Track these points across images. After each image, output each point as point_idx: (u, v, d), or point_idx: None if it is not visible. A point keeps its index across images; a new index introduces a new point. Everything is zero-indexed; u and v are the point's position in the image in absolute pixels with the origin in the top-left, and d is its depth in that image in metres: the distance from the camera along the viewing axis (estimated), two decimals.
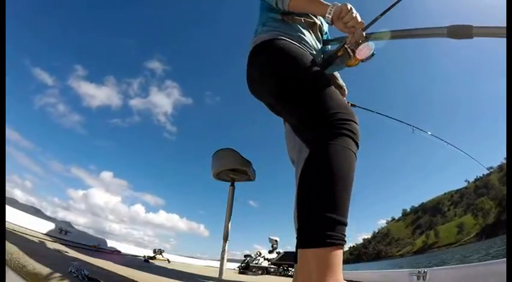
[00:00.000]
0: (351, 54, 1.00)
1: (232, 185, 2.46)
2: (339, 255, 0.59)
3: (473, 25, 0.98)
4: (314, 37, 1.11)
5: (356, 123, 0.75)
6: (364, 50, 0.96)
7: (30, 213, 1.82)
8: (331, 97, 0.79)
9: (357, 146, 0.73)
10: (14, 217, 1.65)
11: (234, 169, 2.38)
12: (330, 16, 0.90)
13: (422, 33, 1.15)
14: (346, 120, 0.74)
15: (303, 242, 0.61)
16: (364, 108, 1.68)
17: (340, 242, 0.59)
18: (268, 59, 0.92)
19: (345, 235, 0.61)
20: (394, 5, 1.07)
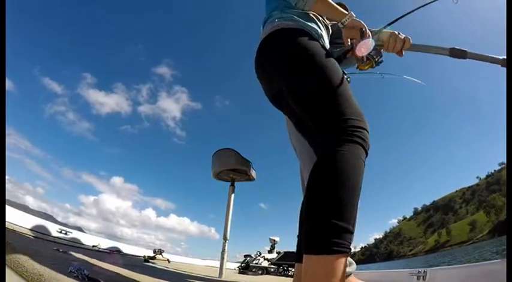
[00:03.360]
0: (363, 59, 1.01)
1: (232, 185, 2.47)
2: (343, 262, 0.60)
3: (468, 50, 1.24)
4: (329, 37, 1.12)
5: (367, 131, 0.75)
6: (364, 47, 0.95)
7: (30, 213, 1.87)
8: (348, 101, 0.78)
9: (366, 154, 0.74)
10: (14, 217, 1.69)
11: (234, 169, 2.39)
12: (346, 23, 0.94)
13: (426, 49, 1.25)
14: (359, 127, 0.74)
15: (309, 247, 0.62)
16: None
17: (346, 250, 0.60)
18: (292, 46, 0.89)
19: (350, 243, 0.63)
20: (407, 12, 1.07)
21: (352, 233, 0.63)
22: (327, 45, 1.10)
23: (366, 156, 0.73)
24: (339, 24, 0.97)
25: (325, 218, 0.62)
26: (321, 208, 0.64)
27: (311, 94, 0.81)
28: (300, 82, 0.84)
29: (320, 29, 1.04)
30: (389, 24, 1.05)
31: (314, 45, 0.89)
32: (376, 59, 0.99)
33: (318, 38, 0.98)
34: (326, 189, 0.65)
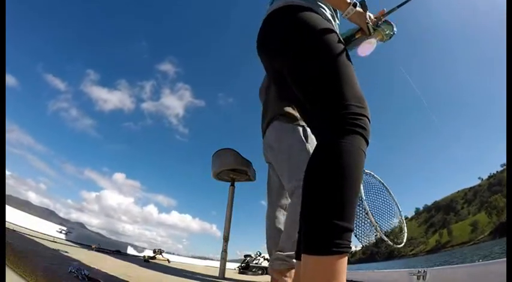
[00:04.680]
0: (372, 32, 0.98)
1: (232, 185, 2.47)
2: (344, 262, 0.58)
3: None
4: (335, 17, 1.08)
5: (369, 119, 0.71)
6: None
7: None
8: (350, 84, 0.74)
9: (367, 143, 0.69)
10: (14, 217, 1.70)
11: (234, 169, 2.39)
12: (351, 14, 0.90)
13: None
14: (360, 115, 0.69)
15: (308, 248, 0.60)
16: None
17: (346, 250, 0.58)
18: (298, 24, 0.85)
19: (350, 242, 0.60)
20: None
21: (352, 230, 0.61)
22: (336, 27, 1.07)
23: (367, 146, 0.69)
24: (343, 15, 0.94)
25: (325, 218, 0.59)
26: (320, 206, 0.61)
27: (313, 78, 0.77)
28: (303, 65, 0.80)
29: (330, 10, 1.00)
30: (389, 12, 1.03)
31: (322, 27, 0.85)
32: (387, 32, 0.95)
33: (326, 18, 0.95)
34: (325, 186, 0.62)
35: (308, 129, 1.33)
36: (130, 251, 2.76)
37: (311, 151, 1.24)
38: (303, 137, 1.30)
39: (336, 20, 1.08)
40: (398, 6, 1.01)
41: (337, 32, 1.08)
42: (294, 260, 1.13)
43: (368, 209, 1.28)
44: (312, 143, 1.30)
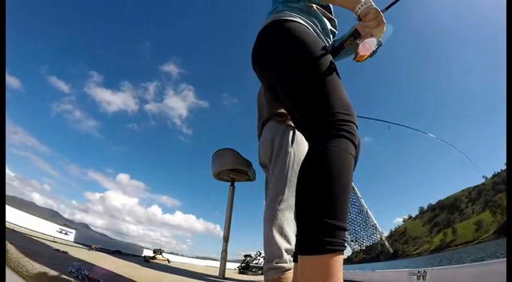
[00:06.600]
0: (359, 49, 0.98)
1: (232, 185, 2.48)
2: (339, 261, 0.59)
3: None
4: (329, 31, 1.11)
5: (356, 125, 0.75)
6: (366, 47, 0.95)
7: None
8: (337, 93, 0.78)
9: (355, 147, 0.73)
10: (14, 217, 1.71)
11: (234, 169, 2.40)
12: (358, 14, 0.90)
13: None
14: (347, 121, 0.73)
15: (303, 248, 0.62)
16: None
17: (340, 248, 0.60)
18: (288, 38, 0.89)
19: (345, 240, 0.62)
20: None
21: (345, 229, 0.63)
22: (327, 40, 1.09)
23: (355, 150, 0.73)
24: (354, 15, 0.93)
25: (317, 217, 0.61)
26: (311, 207, 0.63)
27: (302, 88, 0.81)
28: (293, 76, 0.84)
29: (320, 23, 1.03)
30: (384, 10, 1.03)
31: (311, 40, 0.88)
32: (374, 49, 0.96)
33: (315, 31, 0.97)
34: (316, 187, 0.65)
35: (297, 132, 1.37)
36: (130, 250, 2.78)
37: (293, 153, 1.30)
38: (290, 140, 1.34)
39: (330, 33, 1.11)
40: (386, 8, 1.01)
41: (328, 43, 1.09)
42: (289, 264, 1.13)
43: (367, 208, 1.28)
44: (296, 146, 1.33)
